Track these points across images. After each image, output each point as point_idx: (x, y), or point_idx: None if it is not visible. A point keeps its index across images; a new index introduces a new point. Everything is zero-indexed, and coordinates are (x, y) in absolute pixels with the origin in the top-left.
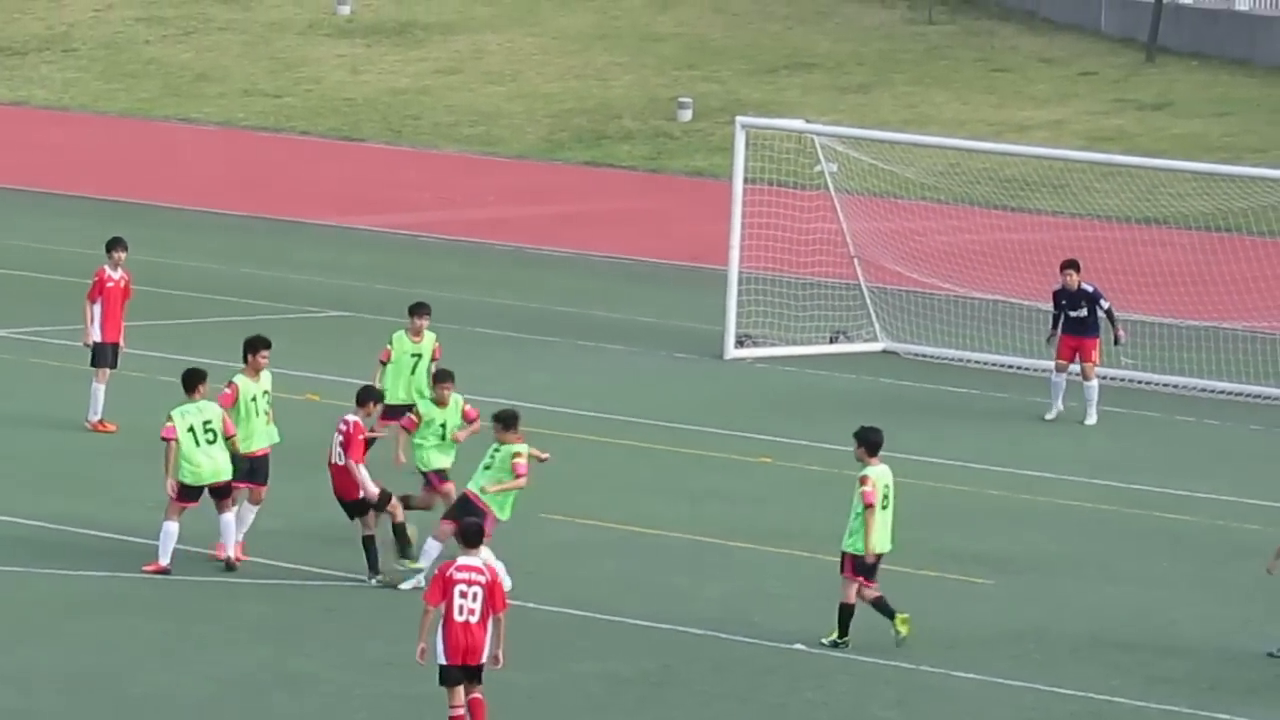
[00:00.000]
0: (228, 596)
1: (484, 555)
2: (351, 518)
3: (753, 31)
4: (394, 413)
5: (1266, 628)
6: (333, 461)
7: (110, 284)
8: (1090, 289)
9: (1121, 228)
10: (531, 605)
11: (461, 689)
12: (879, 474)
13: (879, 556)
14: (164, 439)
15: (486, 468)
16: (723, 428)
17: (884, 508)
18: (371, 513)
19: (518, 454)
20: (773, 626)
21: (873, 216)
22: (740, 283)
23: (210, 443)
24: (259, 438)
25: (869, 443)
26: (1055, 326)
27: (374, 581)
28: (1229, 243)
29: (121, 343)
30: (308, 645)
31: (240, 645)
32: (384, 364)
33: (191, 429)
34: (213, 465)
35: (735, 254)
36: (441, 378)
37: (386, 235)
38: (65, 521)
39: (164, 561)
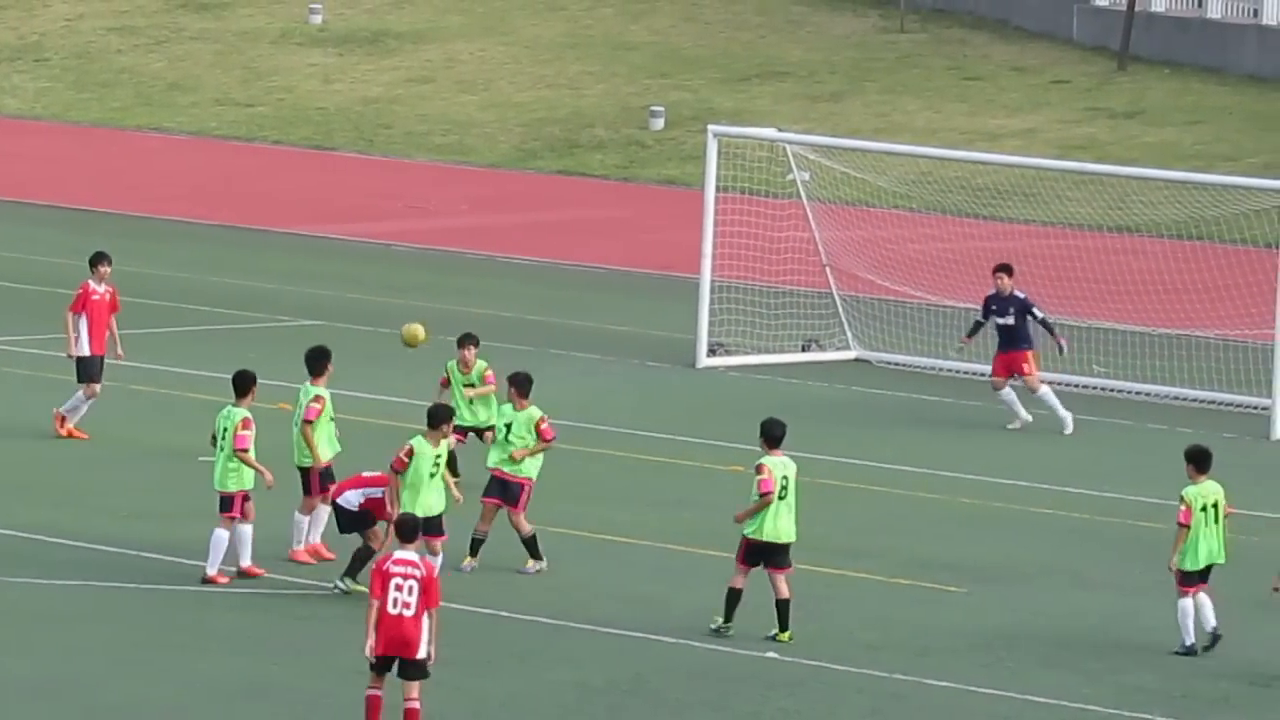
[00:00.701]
0: (199, 605)
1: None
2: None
3: (724, 40)
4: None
5: (1240, 635)
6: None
7: (95, 297)
8: (1021, 296)
9: (1093, 236)
10: (504, 613)
11: (383, 678)
12: (775, 463)
13: (775, 545)
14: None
15: (432, 475)
16: (694, 436)
17: (781, 498)
18: (379, 528)
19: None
20: (745, 634)
21: (845, 225)
22: (712, 291)
23: (221, 450)
24: (330, 446)
25: (769, 435)
26: (973, 333)
27: (339, 586)
28: (1201, 251)
29: (119, 353)
30: (279, 654)
31: (211, 654)
32: (444, 387)
33: (215, 434)
34: (214, 472)
35: (707, 262)
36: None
37: (358, 244)
38: (36, 530)
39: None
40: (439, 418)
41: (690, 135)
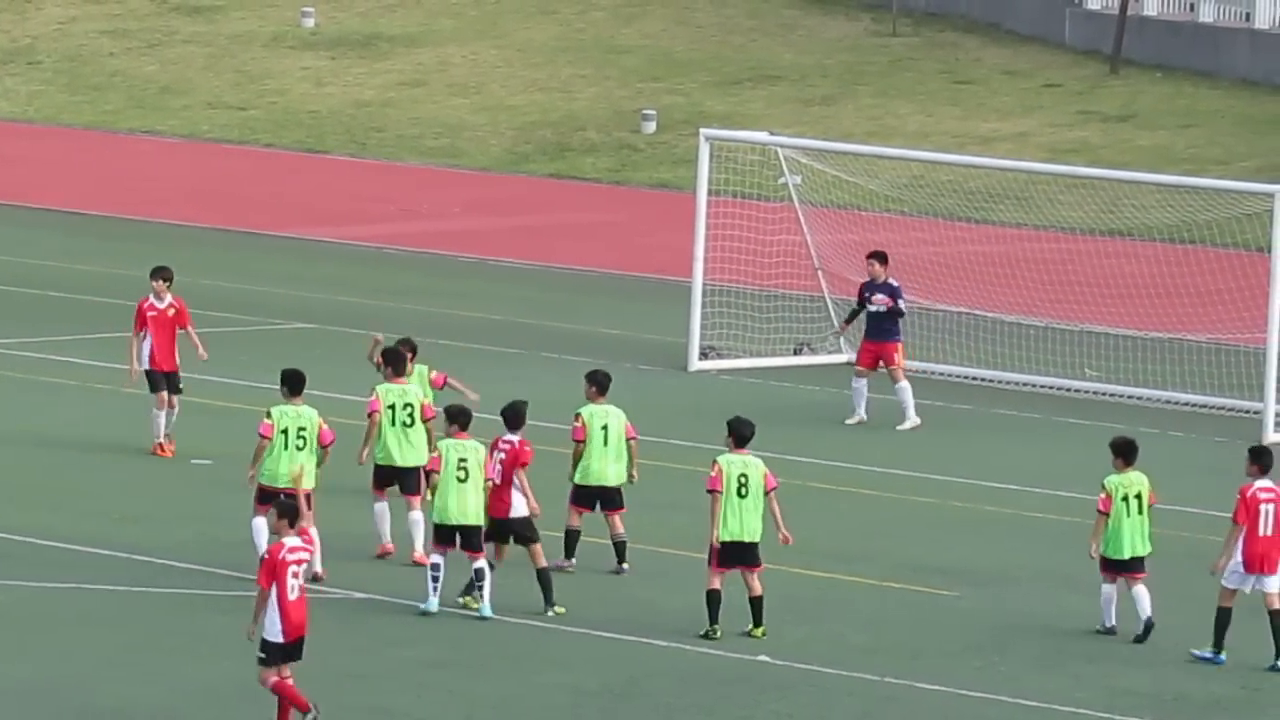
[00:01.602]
0: (192, 608)
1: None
2: (491, 539)
3: (716, 44)
4: None
5: (1232, 639)
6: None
7: (153, 314)
8: (894, 284)
9: (1085, 240)
10: (496, 617)
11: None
12: (733, 461)
13: (743, 544)
14: (260, 435)
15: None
16: (686, 440)
17: (741, 496)
18: (500, 544)
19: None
20: (736, 638)
21: (836, 229)
22: (704, 295)
23: (299, 449)
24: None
25: (736, 434)
26: (849, 320)
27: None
28: (1192, 255)
29: (202, 354)
30: None
31: (204, 657)
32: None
33: (285, 431)
34: (289, 472)
35: (699, 266)
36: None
37: (350, 247)
38: (30, 533)
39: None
40: (454, 418)
41: (682, 139)
